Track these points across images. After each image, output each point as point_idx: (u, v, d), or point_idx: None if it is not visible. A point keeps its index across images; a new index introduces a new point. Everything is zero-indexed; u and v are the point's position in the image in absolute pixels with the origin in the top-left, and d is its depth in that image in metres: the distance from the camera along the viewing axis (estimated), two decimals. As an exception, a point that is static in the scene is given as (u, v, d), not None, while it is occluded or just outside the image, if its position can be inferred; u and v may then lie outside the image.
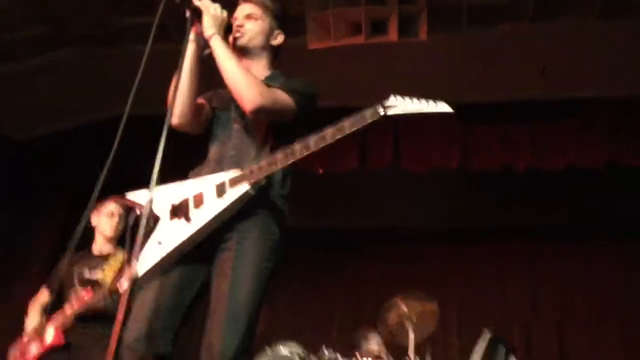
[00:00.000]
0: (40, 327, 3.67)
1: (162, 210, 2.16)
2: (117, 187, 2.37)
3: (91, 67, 5.51)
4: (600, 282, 6.40)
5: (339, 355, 4.32)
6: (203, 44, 2.30)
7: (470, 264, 6.76)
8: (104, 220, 3.99)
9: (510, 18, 4.99)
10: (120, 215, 3.99)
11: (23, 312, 3.94)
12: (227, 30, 2.32)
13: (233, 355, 1.96)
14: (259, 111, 2.20)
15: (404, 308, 4.62)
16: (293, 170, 2.34)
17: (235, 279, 2.07)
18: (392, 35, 4.69)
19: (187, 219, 2.12)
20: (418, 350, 4.51)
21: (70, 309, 3.59)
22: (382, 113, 2.10)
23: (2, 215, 5.83)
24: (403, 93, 2.15)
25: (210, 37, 2.24)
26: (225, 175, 2.15)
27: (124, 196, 2.27)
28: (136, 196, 2.22)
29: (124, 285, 1.69)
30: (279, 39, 2.51)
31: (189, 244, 2.11)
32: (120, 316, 1.66)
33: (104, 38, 5.27)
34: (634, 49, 5.08)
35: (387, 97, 2.13)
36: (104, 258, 3.84)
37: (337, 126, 2.10)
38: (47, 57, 5.45)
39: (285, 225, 2.26)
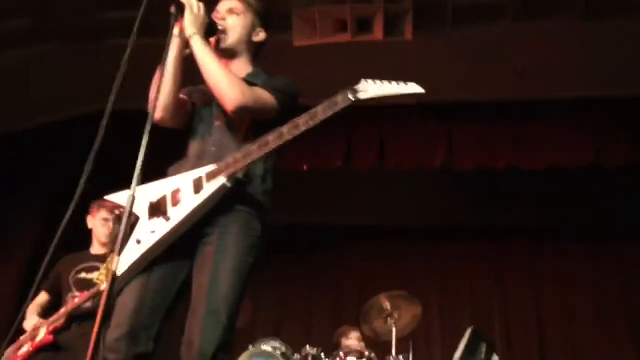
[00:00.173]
0: (36, 328, 3.69)
1: (141, 208, 2.15)
2: (101, 184, 2.37)
3: (76, 61, 5.48)
4: (574, 280, 6.54)
5: (322, 353, 4.35)
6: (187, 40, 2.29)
7: (452, 262, 6.81)
8: (98, 226, 4.02)
9: (495, 18, 5.03)
10: (114, 220, 4.01)
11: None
12: (209, 30, 2.31)
13: (213, 351, 1.96)
14: (241, 110, 2.20)
15: (387, 305, 4.65)
16: (275, 167, 2.35)
17: (215, 273, 2.06)
18: (378, 34, 4.73)
19: (165, 216, 2.11)
20: (400, 347, 4.55)
21: (64, 310, 3.61)
22: (353, 98, 2.07)
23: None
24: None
25: (191, 36, 2.24)
26: (203, 170, 2.15)
27: (103, 199, 2.27)
28: (117, 197, 2.23)
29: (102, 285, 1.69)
30: (260, 36, 2.50)
31: (167, 241, 2.10)
32: (99, 317, 1.65)
33: (89, 32, 5.24)
34: (617, 49, 5.14)
35: (357, 82, 2.11)
36: (101, 259, 3.87)
37: (309, 113, 2.07)
38: (32, 50, 5.42)
39: (266, 222, 2.25)
